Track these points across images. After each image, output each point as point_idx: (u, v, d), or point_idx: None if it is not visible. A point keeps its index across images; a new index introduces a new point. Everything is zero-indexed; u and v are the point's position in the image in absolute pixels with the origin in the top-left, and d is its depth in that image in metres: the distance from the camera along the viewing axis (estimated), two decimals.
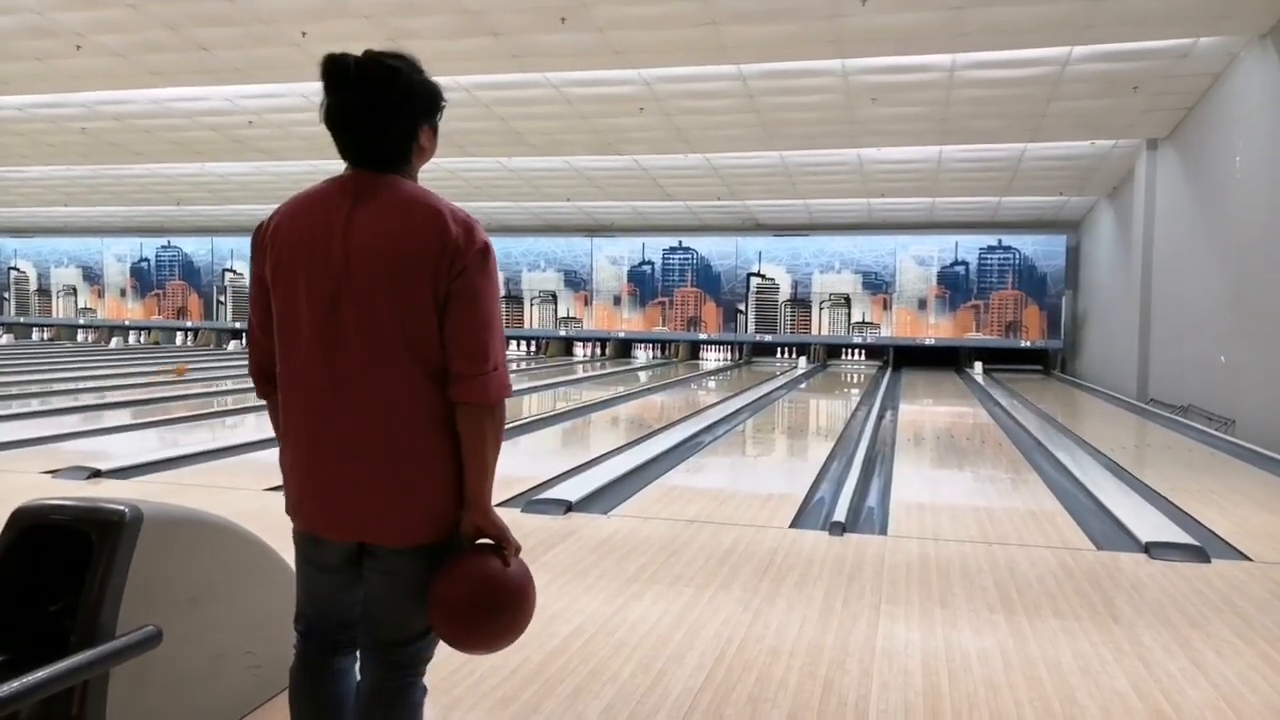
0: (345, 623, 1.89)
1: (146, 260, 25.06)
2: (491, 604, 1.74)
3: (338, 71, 1.73)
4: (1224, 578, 4.05)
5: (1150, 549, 4.44)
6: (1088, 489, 6.03)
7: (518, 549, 1.82)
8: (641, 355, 22.30)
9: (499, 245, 22.01)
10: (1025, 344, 19.77)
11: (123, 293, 25.34)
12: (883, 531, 4.87)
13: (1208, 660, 3.05)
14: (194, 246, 24.56)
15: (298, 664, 1.91)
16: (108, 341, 25.31)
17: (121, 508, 2.06)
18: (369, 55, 1.74)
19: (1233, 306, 9.40)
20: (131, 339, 25.34)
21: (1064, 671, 2.94)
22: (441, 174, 15.94)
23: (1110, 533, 4.88)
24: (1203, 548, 4.45)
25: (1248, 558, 4.42)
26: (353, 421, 1.72)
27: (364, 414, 1.72)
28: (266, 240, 1.80)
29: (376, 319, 1.70)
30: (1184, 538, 4.63)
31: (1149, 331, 12.93)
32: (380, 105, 1.73)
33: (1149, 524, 4.92)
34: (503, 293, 22.23)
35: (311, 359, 1.74)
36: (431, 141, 1.84)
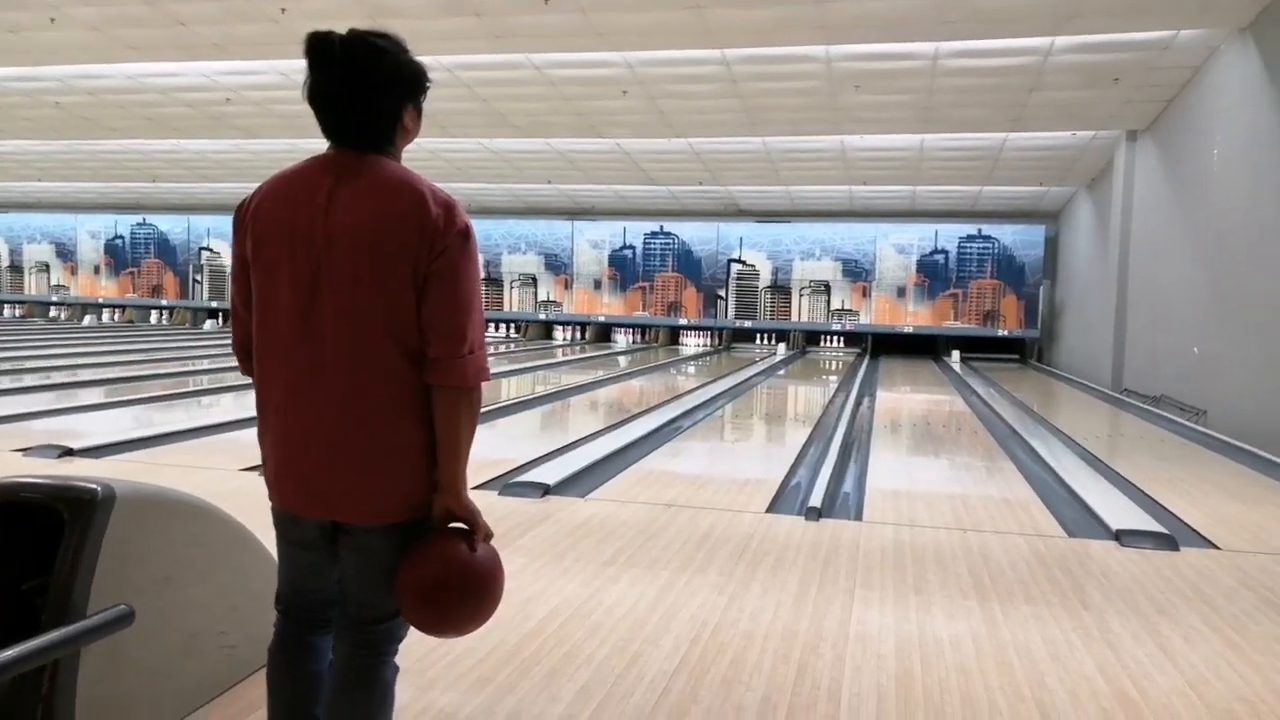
0: (324, 602, 1.89)
1: (121, 238, 24.76)
2: (459, 588, 1.75)
3: (322, 49, 1.71)
4: (1193, 566, 4.11)
5: (1121, 537, 4.50)
6: (1061, 477, 6.10)
7: (489, 534, 1.81)
8: (621, 340, 22.29)
9: (479, 227, 21.86)
10: (1003, 333, 19.91)
11: (96, 270, 25.04)
12: (858, 517, 4.91)
13: (1175, 647, 3.10)
14: (170, 224, 24.28)
15: (276, 642, 1.91)
16: (80, 319, 25.02)
17: (94, 486, 2.05)
18: (354, 34, 1.73)
19: (1207, 298, 9.50)
20: (105, 317, 25.08)
21: (1034, 657, 2.98)
22: (423, 154, 15.82)
23: (1082, 520, 4.94)
24: (1172, 536, 4.51)
25: (1216, 546, 4.49)
26: (329, 400, 1.72)
27: (341, 393, 1.71)
28: (247, 218, 1.79)
29: (356, 299, 1.69)
30: (1154, 526, 4.69)
31: (1124, 322, 13.06)
32: (365, 85, 1.72)
33: (1120, 512, 4.98)
34: (483, 275, 22.28)
35: (290, 337, 1.73)
36: (415, 122, 1.83)
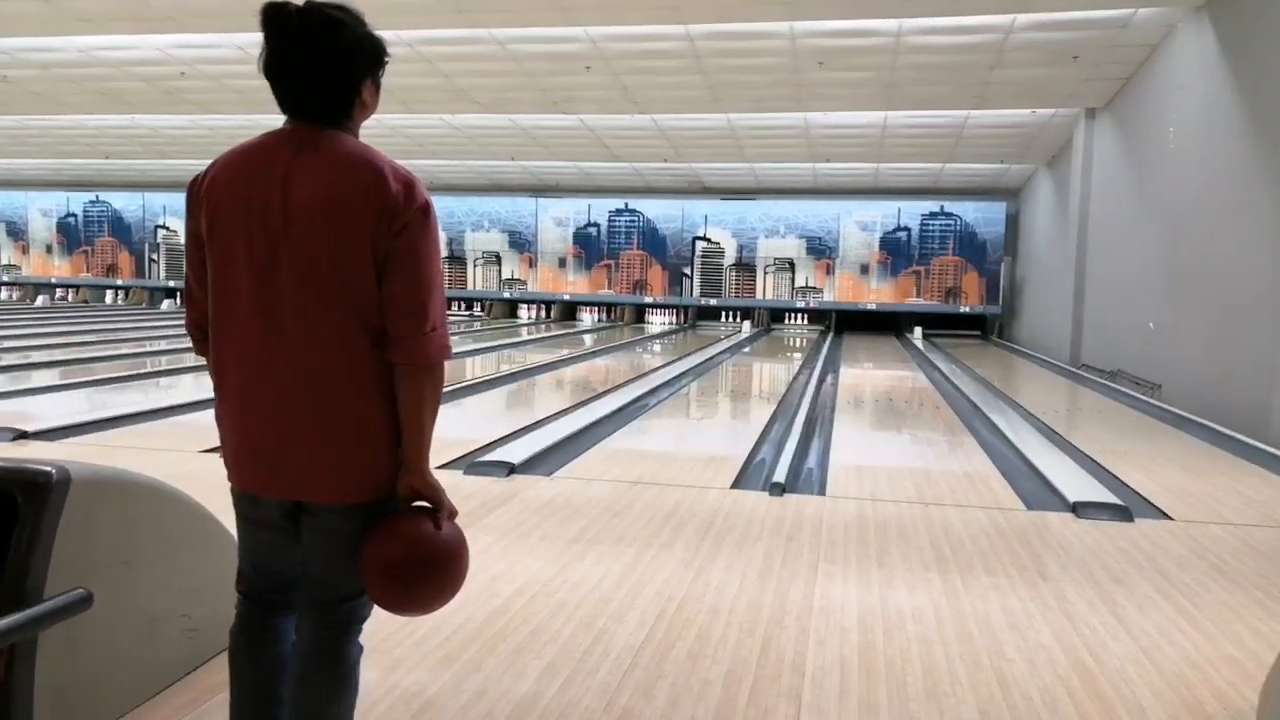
0: (286, 583, 1.87)
1: (74, 215, 24.22)
2: (423, 567, 1.74)
3: (278, 20, 1.68)
4: (1146, 536, 4.21)
5: (1078, 509, 4.59)
6: (1020, 451, 6.20)
7: (453, 512, 1.81)
8: (587, 318, 22.24)
9: (442, 204, 21.84)
10: (964, 310, 20.13)
11: (49, 249, 24.49)
12: (822, 492, 4.96)
13: (1129, 615, 3.17)
14: (124, 202, 23.79)
15: (238, 624, 1.89)
16: (33, 300, 24.50)
17: (48, 468, 2.01)
18: (311, 5, 1.69)
19: (1163, 274, 9.66)
20: (59, 297, 24.56)
21: (993, 627, 3.03)
22: (383, 130, 15.61)
23: (1040, 493, 5.03)
24: (1127, 507, 4.61)
25: (1169, 517, 4.59)
26: (289, 379, 1.70)
27: (301, 372, 1.69)
28: (202, 194, 1.75)
29: (314, 276, 1.67)
30: (1109, 498, 4.79)
31: (1083, 298, 13.26)
32: (322, 57, 1.69)
33: (1077, 485, 5.08)
34: (446, 253, 22.15)
35: (248, 316, 1.71)
36: (374, 97, 1.81)
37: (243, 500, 1.84)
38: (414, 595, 1.76)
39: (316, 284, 1.67)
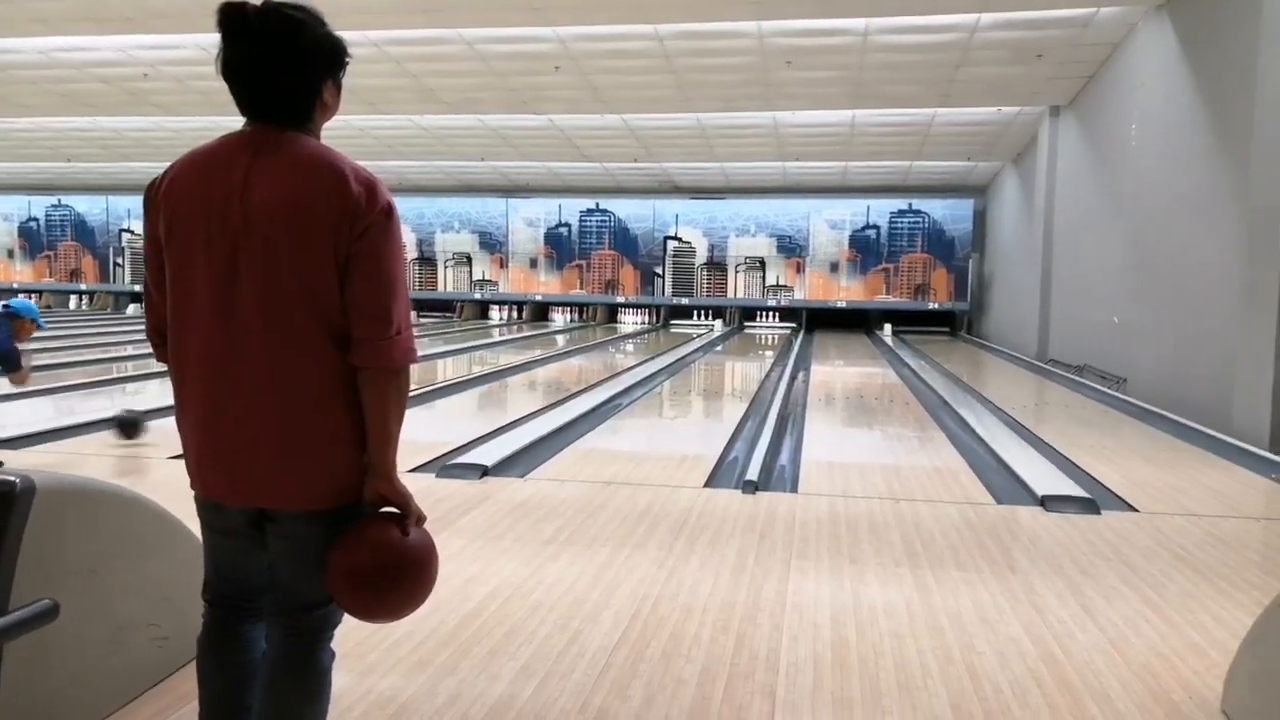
0: (252, 590, 1.86)
1: (35, 220, 23.84)
2: (392, 573, 1.72)
3: (236, 21, 1.65)
4: (1113, 528, 4.27)
5: (1046, 502, 4.65)
6: (989, 446, 6.26)
7: (421, 518, 1.79)
8: (559, 318, 22.21)
9: (412, 205, 21.74)
10: (933, 306, 20.31)
11: (10, 254, 24.09)
12: (794, 489, 4.98)
13: (1097, 606, 3.22)
14: (87, 205, 23.45)
15: (205, 633, 1.87)
16: None
17: (12, 478, 1.98)
18: (269, 5, 1.67)
19: (1126, 269, 9.80)
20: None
21: (964, 621, 3.07)
22: (351, 131, 15.50)
23: (1009, 487, 5.09)
24: (1094, 500, 4.67)
25: (1135, 509, 4.66)
26: (251, 385, 1.67)
27: (262, 377, 1.67)
28: (160, 197, 1.72)
29: (275, 280, 1.64)
30: (1077, 491, 4.85)
31: (1049, 294, 13.42)
32: (281, 58, 1.67)
33: (1045, 478, 5.14)
34: (416, 254, 22.03)
35: (207, 321, 1.68)
36: (335, 98, 1.79)
37: (206, 508, 1.82)
38: (382, 602, 1.75)
39: (277, 287, 1.65)
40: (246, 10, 1.65)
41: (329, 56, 1.74)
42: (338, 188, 1.65)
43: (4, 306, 5.09)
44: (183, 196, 1.69)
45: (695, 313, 21.69)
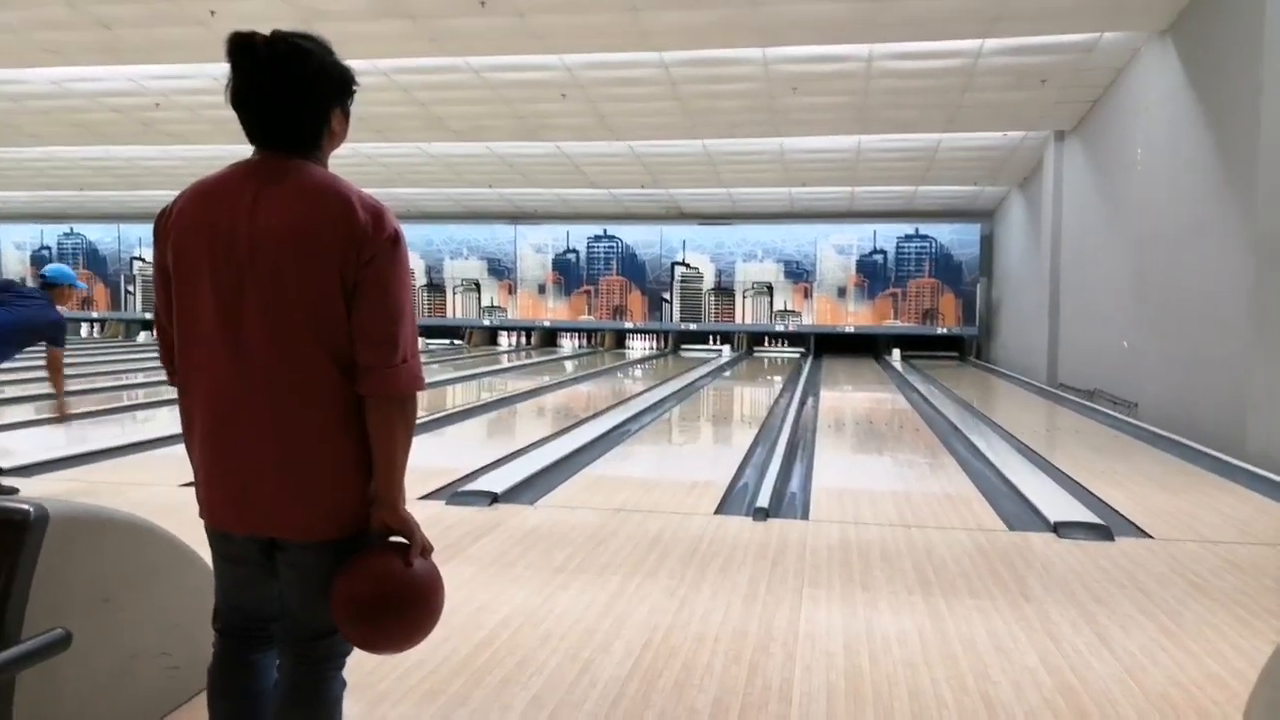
0: (262, 618, 1.85)
1: (48, 248, 24.01)
2: (396, 605, 1.70)
3: (244, 50, 1.67)
4: (1127, 555, 4.23)
5: (1059, 529, 4.61)
6: (1000, 472, 6.23)
7: (428, 548, 1.77)
8: (567, 344, 22.24)
9: (420, 232, 21.86)
10: (941, 331, 20.28)
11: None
12: (805, 516, 4.96)
13: (1112, 635, 3.19)
14: (99, 233, 23.62)
15: (215, 661, 1.87)
16: None
17: (26, 507, 1.98)
18: (277, 34, 1.69)
19: (1135, 293, 9.79)
20: None
21: (978, 650, 3.04)
22: (359, 159, 15.62)
23: (1022, 514, 5.05)
24: (1107, 526, 4.64)
25: (1149, 535, 4.63)
26: (257, 413, 1.67)
27: (269, 406, 1.67)
28: (169, 226, 1.74)
29: (282, 308, 1.65)
30: (1090, 517, 4.82)
31: (1058, 318, 13.39)
32: (290, 87, 1.69)
33: (1058, 505, 5.11)
34: (425, 281, 22.12)
35: (215, 349, 1.69)
36: (343, 126, 1.80)
37: (216, 536, 1.82)
38: (388, 635, 1.73)
39: (283, 315, 1.65)
40: (255, 40, 1.68)
41: (337, 85, 1.76)
42: (344, 215, 1.65)
43: (40, 277, 5.18)
44: (190, 226, 1.71)
45: (710, 337, 21.72)
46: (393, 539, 1.75)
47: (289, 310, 1.64)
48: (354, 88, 1.80)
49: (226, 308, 1.66)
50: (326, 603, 1.72)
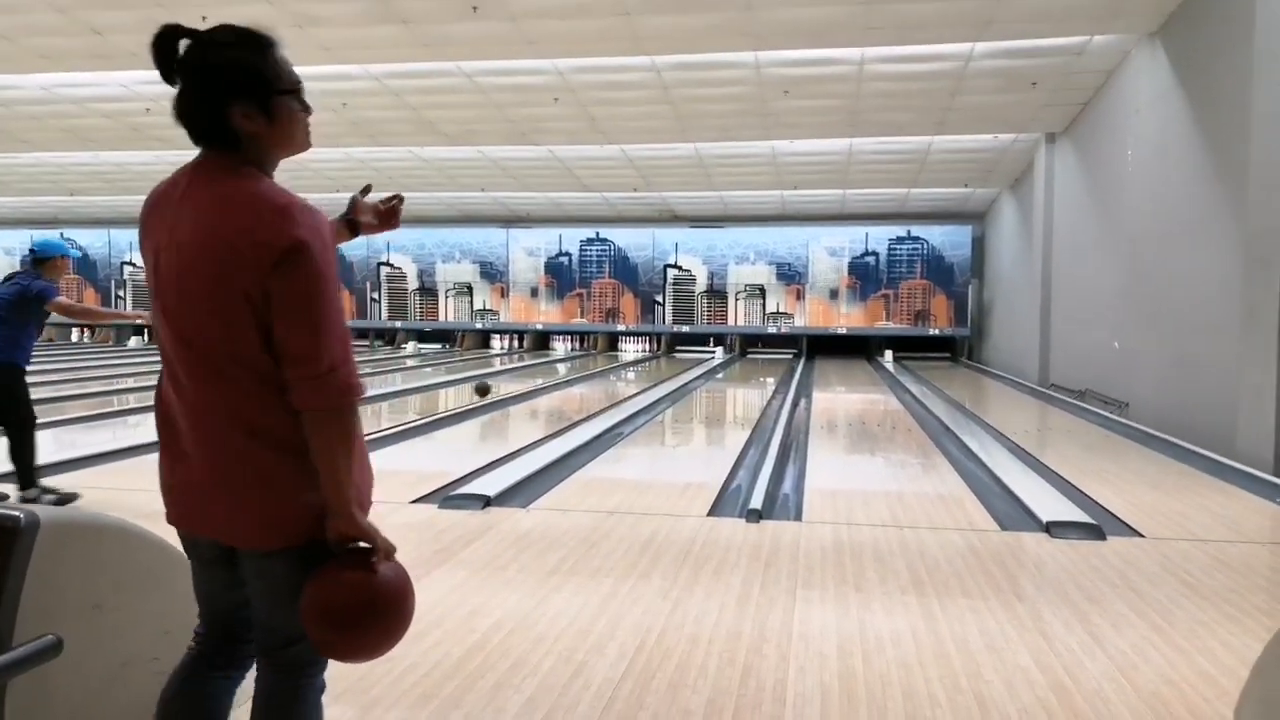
0: (237, 621, 1.83)
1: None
2: (361, 612, 1.65)
3: (155, 42, 1.68)
4: (1118, 554, 4.25)
5: (1051, 528, 4.63)
6: (993, 472, 6.25)
7: (389, 551, 1.70)
8: (560, 347, 22.23)
9: (413, 236, 21.86)
10: (933, 332, 20.33)
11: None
12: (798, 517, 4.97)
13: (1104, 633, 3.20)
14: (89, 239, 23.54)
15: (179, 668, 1.84)
16: None
17: (16, 513, 1.98)
18: (176, 28, 1.67)
19: (1125, 294, 9.83)
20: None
21: (971, 649, 3.04)
22: (351, 163, 15.59)
23: (1014, 514, 5.07)
24: (1099, 526, 4.65)
25: (1140, 534, 4.64)
26: (192, 425, 1.67)
27: (194, 427, 1.66)
28: (140, 224, 1.78)
29: (200, 321, 1.61)
30: (1082, 517, 4.84)
31: (1049, 319, 13.44)
32: (188, 83, 1.67)
33: (1049, 504, 5.12)
34: (417, 285, 22.10)
35: (166, 356, 1.70)
36: (256, 123, 1.66)
37: (183, 538, 1.83)
38: (356, 644, 1.68)
39: (203, 330, 1.61)
40: (164, 31, 1.68)
41: (231, 79, 1.64)
42: (247, 224, 1.58)
43: (30, 253, 5.32)
44: (143, 240, 1.74)
45: (710, 339, 21.74)
46: (353, 546, 1.69)
47: (206, 325, 1.61)
48: (273, 85, 1.67)
49: (165, 314, 1.66)
50: (293, 607, 1.67)
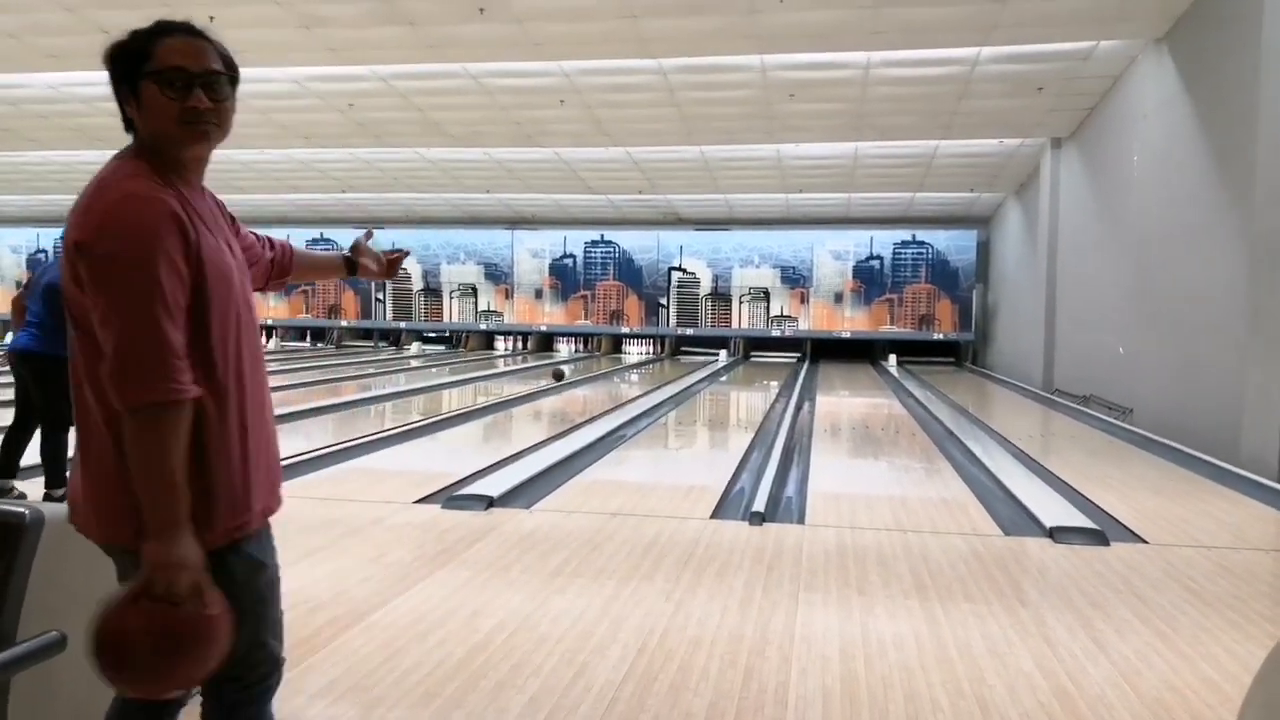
0: None
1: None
2: (105, 654, 1.54)
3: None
4: (1122, 559, 4.24)
5: (1054, 533, 4.62)
6: (996, 477, 6.24)
7: (177, 599, 1.51)
8: (564, 349, 22.24)
9: (418, 237, 21.88)
10: (938, 336, 20.31)
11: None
12: (801, 521, 4.96)
13: (1108, 639, 3.19)
14: None
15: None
16: (1, 337, 24.19)
17: (21, 509, 1.98)
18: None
19: (1131, 299, 9.81)
20: None
21: (974, 654, 3.04)
22: (358, 164, 15.63)
23: (1017, 519, 5.06)
24: (1102, 531, 4.64)
25: (1144, 540, 4.63)
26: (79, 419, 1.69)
27: (79, 411, 1.67)
28: None
29: (71, 325, 1.64)
30: (1085, 522, 4.83)
31: (1054, 324, 13.42)
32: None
33: (1053, 510, 5.11)
34: (422, 285, 22.13)
35: None
36: (131, 108, 1.68)
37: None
38: (115, 680, 1.60)
39: (80, 319, 1.61)
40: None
41: (115, 64, 1.68)
42: (72, 219, 1.60)
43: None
44: None
45: (719, 343, 21.76)
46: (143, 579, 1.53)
47: (74, 319, 1.61)
48: (140, 70, 1.65)
49: None
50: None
